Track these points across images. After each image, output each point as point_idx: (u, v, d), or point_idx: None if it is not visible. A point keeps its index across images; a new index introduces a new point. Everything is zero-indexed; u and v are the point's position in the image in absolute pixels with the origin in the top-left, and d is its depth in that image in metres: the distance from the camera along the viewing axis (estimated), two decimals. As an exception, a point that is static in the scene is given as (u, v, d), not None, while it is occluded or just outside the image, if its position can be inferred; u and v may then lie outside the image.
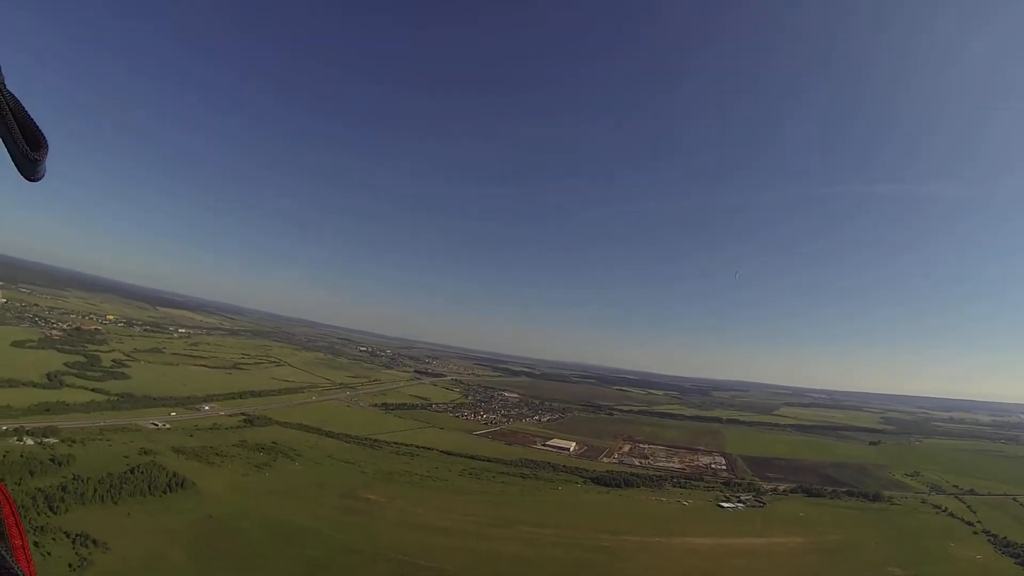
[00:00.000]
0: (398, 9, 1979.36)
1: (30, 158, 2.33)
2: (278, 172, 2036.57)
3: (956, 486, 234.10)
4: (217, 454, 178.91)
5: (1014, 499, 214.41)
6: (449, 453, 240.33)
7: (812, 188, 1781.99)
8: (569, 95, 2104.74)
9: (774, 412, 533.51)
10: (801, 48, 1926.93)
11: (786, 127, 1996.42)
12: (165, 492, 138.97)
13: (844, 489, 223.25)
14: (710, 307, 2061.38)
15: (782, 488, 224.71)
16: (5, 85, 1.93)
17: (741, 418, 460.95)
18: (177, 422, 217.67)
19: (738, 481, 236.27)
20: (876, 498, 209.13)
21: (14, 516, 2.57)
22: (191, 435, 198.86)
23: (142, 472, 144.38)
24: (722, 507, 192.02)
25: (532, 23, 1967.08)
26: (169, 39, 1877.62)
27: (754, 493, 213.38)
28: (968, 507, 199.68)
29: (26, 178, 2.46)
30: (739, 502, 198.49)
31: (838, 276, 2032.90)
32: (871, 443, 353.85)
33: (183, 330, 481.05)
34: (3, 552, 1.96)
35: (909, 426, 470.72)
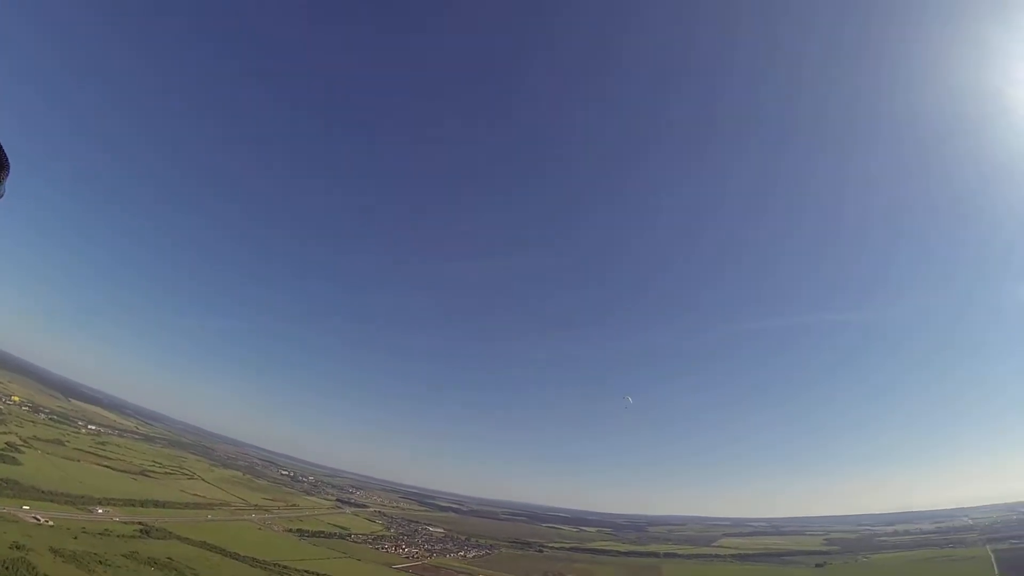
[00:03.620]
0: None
1: None
2: (219, 293, 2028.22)
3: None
4: (100, 562, 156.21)
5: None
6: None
7: (742, 324, 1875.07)
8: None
9: (714, 544, 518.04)
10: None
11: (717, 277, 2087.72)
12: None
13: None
14: (643, 443, 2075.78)
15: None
16: None
17: (679, 551, 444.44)
18: (63, 520, 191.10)
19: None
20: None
21: None
22: (75, 537, 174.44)
23: (7, 569, 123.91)
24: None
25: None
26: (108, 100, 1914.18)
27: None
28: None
29: None
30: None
31: (767, 406, 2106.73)
32: (817, 565, 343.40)
33: (93, 427, 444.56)
34: None
35: (854, 544, 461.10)
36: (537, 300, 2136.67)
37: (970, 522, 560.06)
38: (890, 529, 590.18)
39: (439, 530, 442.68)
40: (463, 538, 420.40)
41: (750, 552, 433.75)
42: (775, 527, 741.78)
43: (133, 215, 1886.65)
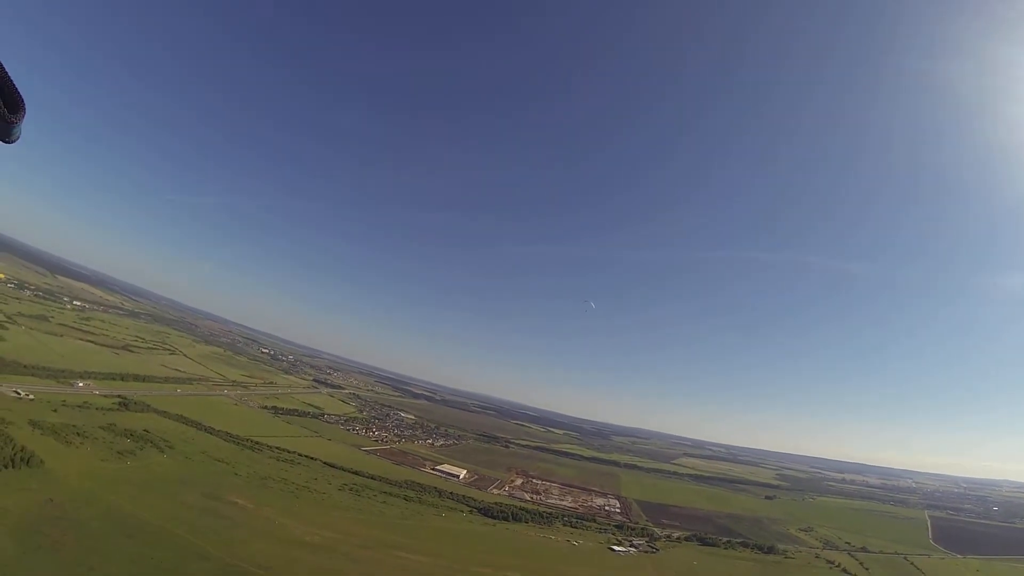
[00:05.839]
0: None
1: (7, 120, 2.29)
2: (202, 170, 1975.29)
3: (848, 543, 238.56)
4: (79, 434, 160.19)
5: (905, 558, 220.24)
6: (332, 465, 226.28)
7: (739, 252, 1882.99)
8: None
9: (673, 461, 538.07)
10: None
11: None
12: (7, 467, 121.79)
13: (739, 540, 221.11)
14: (617, 351, 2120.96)
15: (676, 535, 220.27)
16: None
17: (639, 464, 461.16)
18: (43, 393, 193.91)
19: (632, 525, 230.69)
20: (770, 551, 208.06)
21: None
22: (55, 410, 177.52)
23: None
24: (613, 550, 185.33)
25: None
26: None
27: (647, 538, 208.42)
28: (860, 564, 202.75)
29: (1, 140, 2.43)
30: (631, 546, 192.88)
31: (748, 339, 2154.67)
32: (767, 497, 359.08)
33: (78, 303, 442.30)
34: None
35: (803, 483, 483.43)
36: (534, 204, 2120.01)
37: (914, 485, 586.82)
38: (839, 476, 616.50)
39: (410, 416, 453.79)
40: (433, 426, 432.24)
41: (706, 475, 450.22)
42: (732, 454, 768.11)
43: (121, 76, 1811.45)
